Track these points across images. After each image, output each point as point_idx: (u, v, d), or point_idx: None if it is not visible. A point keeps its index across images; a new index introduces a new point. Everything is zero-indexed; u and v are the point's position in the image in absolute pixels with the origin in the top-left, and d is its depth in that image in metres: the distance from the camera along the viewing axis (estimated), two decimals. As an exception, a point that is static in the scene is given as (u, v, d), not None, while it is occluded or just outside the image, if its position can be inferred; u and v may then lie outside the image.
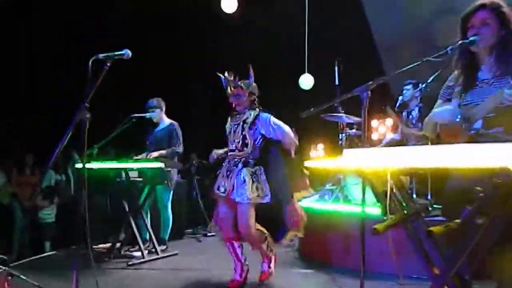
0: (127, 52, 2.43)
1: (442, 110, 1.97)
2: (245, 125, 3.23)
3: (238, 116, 3.31)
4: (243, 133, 3.22)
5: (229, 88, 3.26)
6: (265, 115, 3.25)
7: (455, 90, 1.96)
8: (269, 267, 3.41)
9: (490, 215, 1.44)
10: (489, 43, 1.86)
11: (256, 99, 3.33)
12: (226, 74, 3.28)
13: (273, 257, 3.45)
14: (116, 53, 2.39)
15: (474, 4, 1.93)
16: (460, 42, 1.89)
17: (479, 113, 1.76)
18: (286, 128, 3.23)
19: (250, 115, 3.26)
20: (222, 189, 3.23)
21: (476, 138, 1.73)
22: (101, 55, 2.31)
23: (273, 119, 3.23)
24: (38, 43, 6.38)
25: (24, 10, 6.27)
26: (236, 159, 3.24)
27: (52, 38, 6.41)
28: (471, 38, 1.87)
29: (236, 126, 3.28)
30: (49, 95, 6.50)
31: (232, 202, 3.19)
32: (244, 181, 3.13)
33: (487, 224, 1.46)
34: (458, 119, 1.82)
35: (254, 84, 3.31)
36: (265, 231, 3.30)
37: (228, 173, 3.24)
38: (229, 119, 3.41)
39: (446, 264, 1.59)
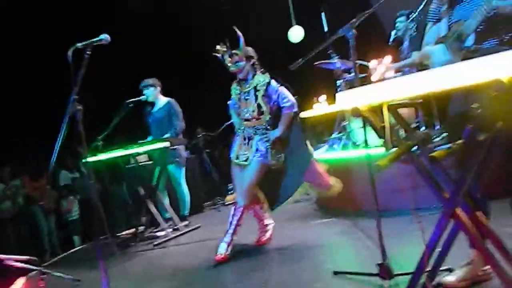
0: (106, 37, 2.38)
1: (434, 49, 1.90)
2: (257, 92, 3.20)
3: (245, 83, 3.26)
4: (257, 101, 3.20)
5: (226, 59, 3.19)
6: (273, 84, 3.22)
7: (442, 9, 1.88)
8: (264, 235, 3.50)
9: (490, 130, 1.42)
10: None
11: (257, 62, 3.27)
12: (218, 47, 3.19)
13: (269, 227, 3.53)
14: (95, 39, 2.35)
15: None
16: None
17: (468, 29, 1.70)
18: (289, 103, 3.21)
19: (260, 81, 3.21)
20: (243, 158, 3.25)
21: (468, 55, 1.68)
22: (79, 44, 2.27)
23: (281, 90, 3.21)
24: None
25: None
26: (253, 127, 3.24)
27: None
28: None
29: (246, 94, 3.24)
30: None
31: None
32: (266, 150, 3.19)
33: (490, 139, 1.44)
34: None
35: (248, 47, 3.23)
36: (262, 198, 3.37)
37: (247, 141, 3.25)
38: (235, 87, 3.34)
39: (455, 186, 1.58)
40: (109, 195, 5.79)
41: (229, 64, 3.19)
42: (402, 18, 4.35)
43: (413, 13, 4.16)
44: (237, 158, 3.29)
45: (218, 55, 3.21)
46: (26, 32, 6.31)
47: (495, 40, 1.69)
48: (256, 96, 3.21)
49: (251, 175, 3.18)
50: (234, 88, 3.34)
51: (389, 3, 2.03)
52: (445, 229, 1.67)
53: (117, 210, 6.03)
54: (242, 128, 3.31)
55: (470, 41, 1.74)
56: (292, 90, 3.29)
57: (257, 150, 3.20)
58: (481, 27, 1.69)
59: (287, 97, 3.21)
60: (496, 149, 1.49)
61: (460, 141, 1.50)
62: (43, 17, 6.21)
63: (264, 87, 3.20)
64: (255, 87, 3.22)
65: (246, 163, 3.22)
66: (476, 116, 1.46)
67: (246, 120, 3.27)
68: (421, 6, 3.96)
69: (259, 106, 3.20)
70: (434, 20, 1.99)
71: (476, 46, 1.73)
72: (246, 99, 3.24)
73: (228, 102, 3.44)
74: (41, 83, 6.53)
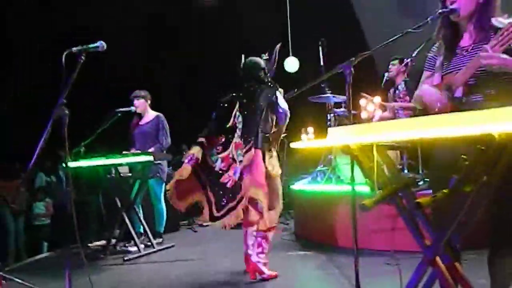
0: (102, 44, 2.37)
1: (427, 89, 1.95)
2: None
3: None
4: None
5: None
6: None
7: (438, 61, 1.94)
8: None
9: (477, 182, 1.43)
10: (468, 11, 1.84)
11: None
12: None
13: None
14: (90, 45, 2.34)
15: None
16: (439, 11, 1.86)
17: (458, 81, 1.74)
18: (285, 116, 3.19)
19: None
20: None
21: (458, 106, 1.71)
22: (74, 48, 2.25)
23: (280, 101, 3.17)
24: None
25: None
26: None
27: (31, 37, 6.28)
28: (450, 7, 1.84)
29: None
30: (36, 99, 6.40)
31: None
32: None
33: (475, 191, 1.45)
34: (439, 104, 1.80)
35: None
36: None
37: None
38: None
39: (436, 234, 1.58)
40: (84, 203, 5.63)
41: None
42: (396, 62, 4.47)
43: (405, 59, 4.28)
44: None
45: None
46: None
47: (479, 95, 1.74)
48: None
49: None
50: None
51: (385, 46, 2.07)
52: (423, 276, 1.66)
53: (91, 220, 5.87)
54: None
55: (459, 92, 1.79)
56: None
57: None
58: (470, 81, 1.74)
59: (284, 111, 3.20)
60: (480, 202, 1.50)
61: (445, 190, 1.51)
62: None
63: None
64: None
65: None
66: (464, 167, 1.48)
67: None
68: (415, 53, 4.09)
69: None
70: (429, 69, 2.04)
71: (466, 98, 1.77)
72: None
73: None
74: (22, 83, 6.44)
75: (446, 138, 1.45)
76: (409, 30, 1.91)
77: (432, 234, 1.61)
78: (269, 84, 3.17)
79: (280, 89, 3.17)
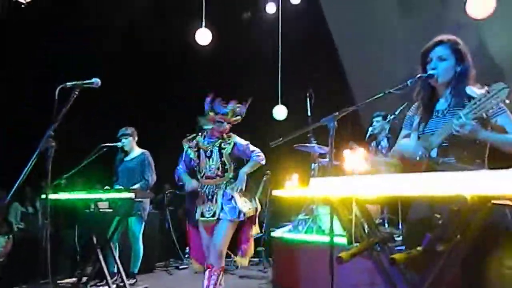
0: (97, 81, 2.44)
1: (405, 144, 2.04)
2: (222, 150, 3.24)
3: (207, 141, 3.29)
4: (222, 158, 3.23)
5: (212, 113, 3.21)
6: (240, 143, 3.29)
7: (415, 121, 2.04)
8: None
9: (450, 242, 1.48)
10: (446, 77, 1.97)
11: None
12: (218, 99, 3.23)
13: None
14: (86, 81, 2.40)
15: (433, 40, 2.05)
16: (418, 76, 1.99)
17: (433, 143, 1.84)
18: (261, 156, 3.31)
19: (227, 142, 3.26)
20: (209, 214, 3.18)
21: (433, 166, 1.79)
22: (69, 83, 2.31)
23: (250, 145, 3.31)
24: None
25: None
26: (216, 185, 3.23)
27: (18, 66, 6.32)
28: (429, 73, 1.98)
29: (210, 152, 3.27)
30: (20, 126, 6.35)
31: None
32: (232, 197, 3.16)
33: (448, 251, 1.49)
34: (418, 157, 1.88)
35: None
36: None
37: (211, 197, 3.21)
38: (191, 144, 3.35)
39: (410, 291, 1.60)
40: (58, 237, 5.45)
41: (212, 119, 3.20)
42: (379, 118, 4.64)
43: (389, 115, 4.44)
44: (203, 215, 3.22)
45: (209, 99, 3.22)
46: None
47: (452, 157, 1.83)
48: (221, 154, 3.24)
49: (223, 235, 3.11)
50: (190, 146, 3.34)
51: (366, 104, 2.19)
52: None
53: (63, 255, 5.64)
54: (203, 186, 3.27)
55: (434, 153, 1.88)
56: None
57: (222, 208, 3.15)
58: (445, 143, 1.83)
59: (259, 152, 3.31)
60: (453, 261, 1.54)
61: (419, 248, 1.54)
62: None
63: (231, 146, 3.26)
64: (219, 145, 3.26)
65: (213, 218, 3.15)
66: (438, 226, 1.53)
67: (208, 178, 3.25)
68: (397, 112, 4.26)
69: (223, 163, 3.23)
70: (407, 127, 2.14)
71: (441, 159, 1.86)
72: (209, 157, 3.26)
73: (178, 167, 3.41)
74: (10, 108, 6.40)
75: (424, 198, 1.51)
76: (391, 90, 2.03)
77: (406, 290, 1.63)
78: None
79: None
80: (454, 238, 1.48)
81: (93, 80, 2.43)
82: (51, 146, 2.21)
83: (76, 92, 2.33)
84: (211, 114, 3.23)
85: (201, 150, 3.30)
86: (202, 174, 3.29)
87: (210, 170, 3.24)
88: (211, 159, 3.25)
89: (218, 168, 3.23)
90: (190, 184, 3.30)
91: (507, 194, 1.40)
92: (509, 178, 1.17)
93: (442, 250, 1.49)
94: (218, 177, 3.24)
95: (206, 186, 3.27)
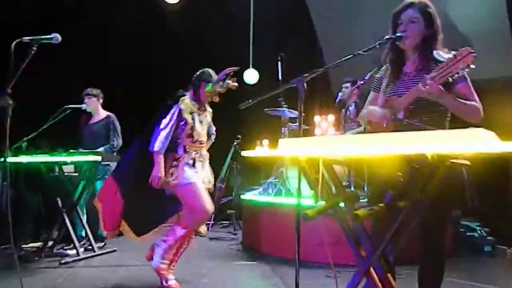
0: (56, 37, 2.30)
1: (373, 109, 2.07)
2: (208, 118, 3.31)
3: (203, 111, 3.26)
4: (207, 128, 3.29)
5: (220, 88, 3.14)
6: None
7: (383, 83, 2.06)
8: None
9: (410, 199, 1.53)
10: (415, 40, 1.98)
11: None
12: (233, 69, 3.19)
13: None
14: (44, 36, 2.25)
15: (404, 2, 2.04)
16: (387, 37, 1.99)
17: (400, 105, 1.87)
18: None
19: (207, 111, 3.31)
20: (209, 181, 3.26)
21: (399, 127, 1.83)
22: (26, 38, 2.16)
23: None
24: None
25: None
26: (199, 151, 3.20)
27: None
28: (397, 34, 1.98)
29: (201, 122, 3.21)
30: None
31: None
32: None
33: (408, 207, 1.55)
34: (385, 124, 1.92)
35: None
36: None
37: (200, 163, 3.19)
38: (193, 104, 3.17)
39: (372, 246, 1.67)
40: (21, 201, 5.30)
41: (220, 91, 3.17)
42: (348, 84, 4.68)
43: (358, 81, 4.48)
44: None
45: (226, 71, 3.15)
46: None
47: (417, 119, 1.88)
48: (208, 124, 3.30)
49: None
50: (192, 105, 3.15)
51: (340, 66, 2.18)
52: (357, 286, 1.73)
53: (27, 219, 5.52)
54: (195, 151, 3.16)
55: (401, 115, 1.91)
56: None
57: None
58: (411, 105, 1.87)
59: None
60: (412, 218, 1.61)
61: (381, 204, 1.60)
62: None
63: (211, 115, 3.33)
64: (206, 116, 3.28)
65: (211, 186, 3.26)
66: (398, 184, 1.58)
67: (201, 143, 3.19)
68: (367, 77, 4.29)
69: (208, 132, 3.29)
70: (375, 90, 2.17)
71: (407, 120, 1.89)
72: (201, 122, 3.21)
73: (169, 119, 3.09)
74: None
75: (387, 157, 1.55)
76: (359, 52, 2.03)
77: (368, 245, 1.69)
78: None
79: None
80: (414, 195, 1.54)
81: (52, 35, 2.28)
82: (9, 104, 2.10)
83: (34, 48, 2.20)
84: (219, 88, 3.14)
85: (194, 114, 3.15)
86: (194, 139, 3.14)
87: (201, 136, 3.18)
88: (202, 125, 3.21)
89: (204, 136, 3.22)
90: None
91: (464, 153, 1.47)
92: (466, 138, 1.20)
93: (403, 206, 1.55)
94: (205, 144, 3.27)
95: (196, 151, 3.16)
